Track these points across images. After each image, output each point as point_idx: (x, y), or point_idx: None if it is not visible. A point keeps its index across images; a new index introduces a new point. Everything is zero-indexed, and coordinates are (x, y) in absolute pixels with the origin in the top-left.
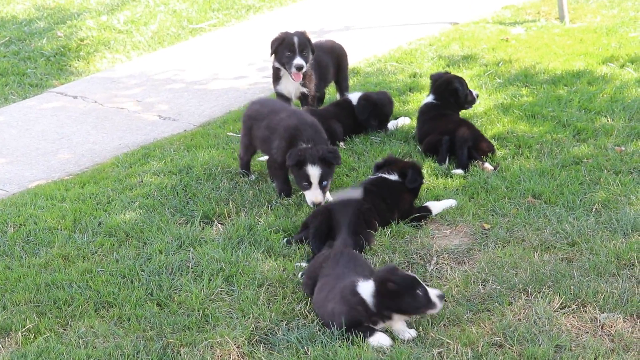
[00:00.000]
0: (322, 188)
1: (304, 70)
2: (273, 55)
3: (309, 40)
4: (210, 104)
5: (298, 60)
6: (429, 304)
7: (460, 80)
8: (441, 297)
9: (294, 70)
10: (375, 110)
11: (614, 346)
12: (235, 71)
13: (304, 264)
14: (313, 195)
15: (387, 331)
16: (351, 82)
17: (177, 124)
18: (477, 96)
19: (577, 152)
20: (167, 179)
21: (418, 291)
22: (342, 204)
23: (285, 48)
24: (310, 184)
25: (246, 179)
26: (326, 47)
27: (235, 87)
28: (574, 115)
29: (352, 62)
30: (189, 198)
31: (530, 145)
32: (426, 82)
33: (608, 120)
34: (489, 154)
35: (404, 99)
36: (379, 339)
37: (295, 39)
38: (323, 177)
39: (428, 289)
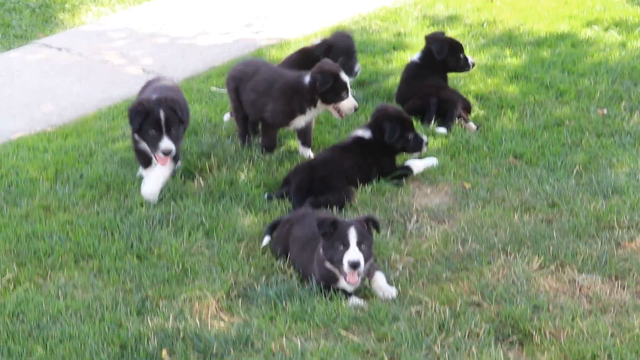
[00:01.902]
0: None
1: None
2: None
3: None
4: (194, 58)
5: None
6: (340, 262)
7: (455, 44)
8: (353, 265)
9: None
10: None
11: (592, 307)
12: (221, 27)
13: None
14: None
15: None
16: None
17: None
18: (474, 64)
19: (559, 113)
20: None
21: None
22: (323, 161)
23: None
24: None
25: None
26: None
27: (220, 43)
28: (557, 77)
29: (337, 20)
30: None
31: (512, 106)
32: (410, 41)
33: (591, 83)
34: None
35: (387, 58)
36: (352, 302)
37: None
38: None
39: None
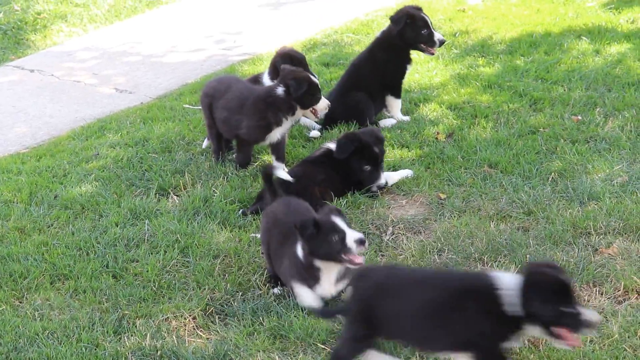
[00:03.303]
0: None
1: None
2: None
3: None
4: (166, 76)
5: None
6: (344, 248)
7: (416, 16)
8: (360, 242)
9: None
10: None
11: None
12: (192, 44)
13: (258, 235)
14: None
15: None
16: (307, 55)
17: (134, 96)
18: (442, 42)
19: (534, 121)
20: (123, 152)
21: (333, 237)
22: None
23: None
24: None
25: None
26: None
27: (192, 60)
28: (531, 85)
29: (309, 34)
30: (145, 170)
31: (486, 115)
32: None
33: (565, 90)
34: None
35: None
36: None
37: None
38: None
39: (348, 233)
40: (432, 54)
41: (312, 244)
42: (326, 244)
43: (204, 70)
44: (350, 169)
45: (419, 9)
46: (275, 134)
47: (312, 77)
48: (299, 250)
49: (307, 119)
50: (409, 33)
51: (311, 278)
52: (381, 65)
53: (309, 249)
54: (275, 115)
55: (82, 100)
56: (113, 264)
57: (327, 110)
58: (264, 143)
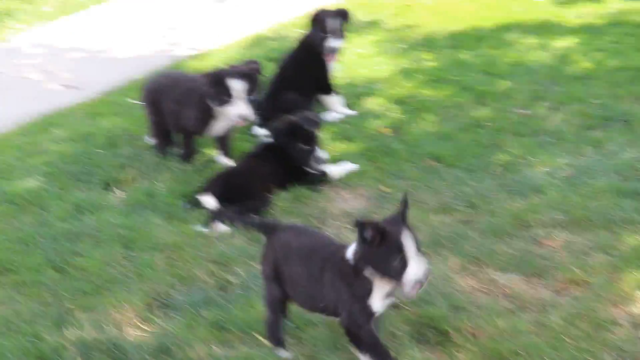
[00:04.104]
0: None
1: None
2: None
3: None
4: (113, 72)
5: None
6: (400, 277)
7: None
8: (419, 284)
9: None
10: None
11: (511, 306)
12: (138, 39)
13: (202, 229)
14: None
15: None
16: (253, 51)
17: (81, 92)
18: (333, 50)
19: (479, 115)
20: (69, 147)
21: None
22: (239, 170)
23: None
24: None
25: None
26: None
27: (138, 56)
28: (476, 79)
29: (256, 29)
30: (90, 165)
31: (431, 109)
32: None
33: (510, 84)
34: None
35: None
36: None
37: None
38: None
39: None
40: (329, 61)
41: (368, 251)
42: (384, 260)
43: (151, 65)
44: (290, 158)
45: (336, 12)
46: (217, 127)
47: (227, 79)
48: (349, 254)
49: None
50: (313, 36)
51: (360, 287)
52: (304, 65)
53: (362, 254)
54: (209, 108)
55: (29, 96)
56: (56, 258)
57: (243, 121)
58: (208, 135)
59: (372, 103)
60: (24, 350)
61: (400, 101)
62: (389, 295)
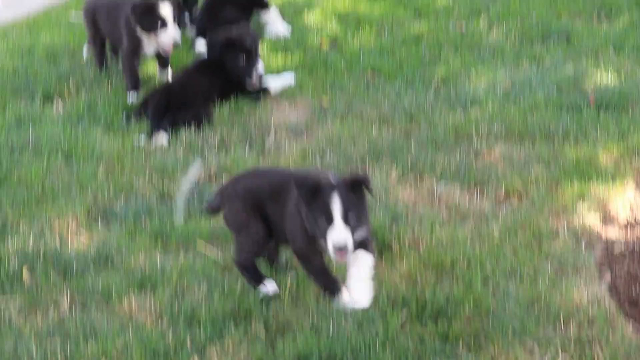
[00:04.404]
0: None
1: None
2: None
3: None
4: None
5: None
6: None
7: None
8: (339, 248)
9: None
10: None
11: (451, 216)
12: None
13: (142, 140)
14: None
15: None
16: None
17: (20, 8)
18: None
19: (418, 30)
20: (9, 61)
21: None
22: (180, 81)
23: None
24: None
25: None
26: None
27: None
28: None
29: None
30: (31, 78)
31: (370, 24)
32: None
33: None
34: None
35: None
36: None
37: None
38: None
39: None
40: None
41: (304, 208)
42: (313, 219)
43: None
44: (229, 72)
45: None
46: (149, 47)
47: (158, 7)
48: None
49: None
50: None
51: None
52: None
53: (301, 211)
54: (135, 30)
55: None
56: None
57: (173, 47)
58: (144, 55)
59: (311, 18)
60: None
61: (339, 16)
62: None
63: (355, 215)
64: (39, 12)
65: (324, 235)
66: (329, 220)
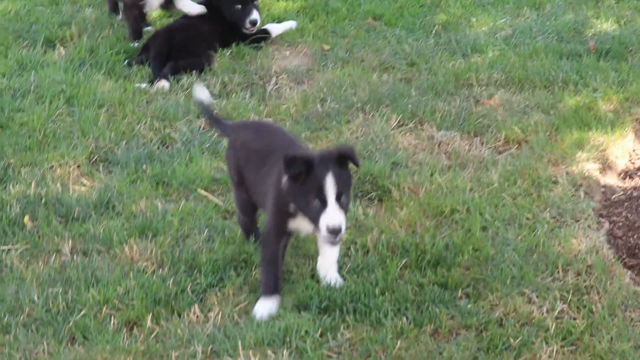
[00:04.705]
0: None
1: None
2: None
3: None
4: None
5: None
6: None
7: None
8: (332, 232)
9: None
10: None
11: (451, 163)
12: None
13: (143, 85)
14: None
15: None
16: None
17: None
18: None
19: None
20: (10, 4)
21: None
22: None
23: None
24: None
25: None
26: None
27: None
28: None
29: None
30: (32, 23)
31: None
32: None
33: None
34: None
35: None
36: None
37: None
38: None
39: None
40: None
41: (293, 186)
42: (304, 199)
43: None
44: (226, 17)
45: None
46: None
47: None
48: (283, 182)
49: None
50: None
51: (284, 208)
52: None
53: (289, 187)
54: None
55: None
56: None
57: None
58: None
59: None
60: None
61: None
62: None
63: (347, 195)
64: None
65: (316, 217)
66: (323, 201)
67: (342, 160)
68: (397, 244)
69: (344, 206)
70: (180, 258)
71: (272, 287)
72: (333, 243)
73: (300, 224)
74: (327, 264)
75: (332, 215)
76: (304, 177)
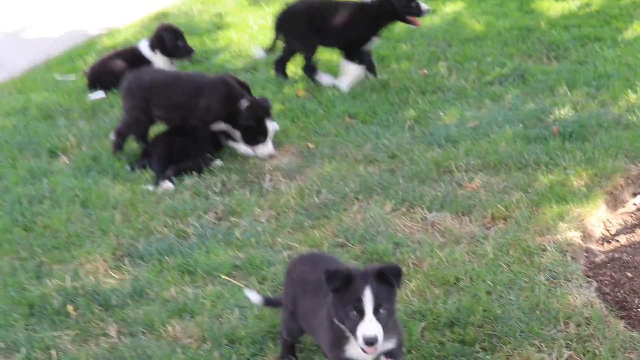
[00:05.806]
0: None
1: None
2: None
3: None
4: (30, 52)
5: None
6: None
7: None
8: (368, 342)
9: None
10: None
11: (446, 240)
12: (49, 18)
13: (150, 187)
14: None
15: None
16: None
17: (4, 71)
18: (427, 11)
19: (384, 76)
20: (7, 120)
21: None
22: (179, 133)
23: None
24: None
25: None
26: None
27: (53, 35)
28: (378, 44)
29: (159, 6)
30: (32, 136)
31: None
32: (232, 20)
33: (409, 47)
34: None
35: (213, 37)
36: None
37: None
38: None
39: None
40: None
41: (334, 299)
42: (343, 311)
43: (66, 44)
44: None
45: None
46: None
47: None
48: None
49: None
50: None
51: (336, 333)
52: None
53: (332, 303)
54: None
55: None
56: (21, 218)
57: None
58: None
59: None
60: (12, 300)
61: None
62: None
63: (387, 309)
64: (22, 73)
65: (354, 328)
66: (360, 312)
67: (383, 276)
68: (413, 310)
69: (382, 319)
70: (220, 333)
71: None
72: (370, 353)
73: (354, 351)
74: None
75: (368, 326)
76: (344, 290)
